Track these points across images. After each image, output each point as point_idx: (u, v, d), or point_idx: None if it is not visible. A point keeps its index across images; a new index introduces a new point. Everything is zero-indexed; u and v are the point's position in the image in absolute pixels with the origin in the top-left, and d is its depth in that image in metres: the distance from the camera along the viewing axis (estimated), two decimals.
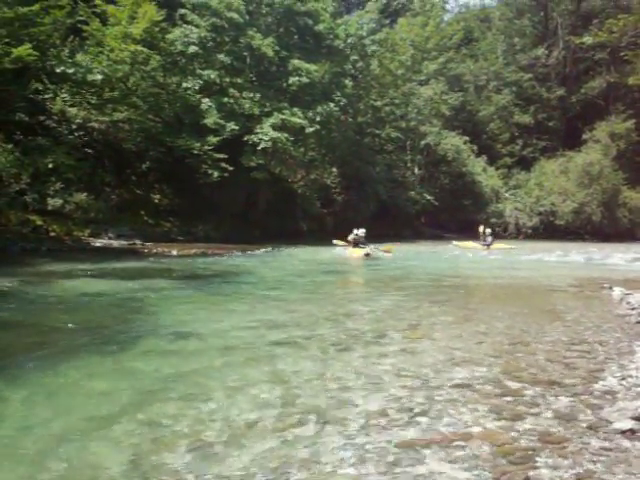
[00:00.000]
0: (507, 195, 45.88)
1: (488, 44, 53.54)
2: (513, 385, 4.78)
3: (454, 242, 27.42)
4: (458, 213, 42.60)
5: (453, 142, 43.36)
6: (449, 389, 4.67)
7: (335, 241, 22.48)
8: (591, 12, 48.15)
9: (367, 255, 19.51)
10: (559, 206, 41.95)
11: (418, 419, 4.01)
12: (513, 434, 3.73)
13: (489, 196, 44.84)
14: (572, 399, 4.44)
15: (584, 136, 42.63)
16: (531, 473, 3.19)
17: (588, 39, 41.33)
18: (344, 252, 21.04)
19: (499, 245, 27.02)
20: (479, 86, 51.34)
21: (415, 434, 3.75)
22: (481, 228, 27.06)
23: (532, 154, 47.94)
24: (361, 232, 20.88)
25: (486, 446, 3.54)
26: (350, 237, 20.99)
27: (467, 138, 44.98)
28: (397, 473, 3.21)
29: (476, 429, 3.82)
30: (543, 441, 3.62)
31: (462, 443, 3.59)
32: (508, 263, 19.08)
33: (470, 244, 26.53)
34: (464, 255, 22.40)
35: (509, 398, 4.45)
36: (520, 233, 43.53)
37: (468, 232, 40.54)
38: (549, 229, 42.06)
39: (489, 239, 26.41)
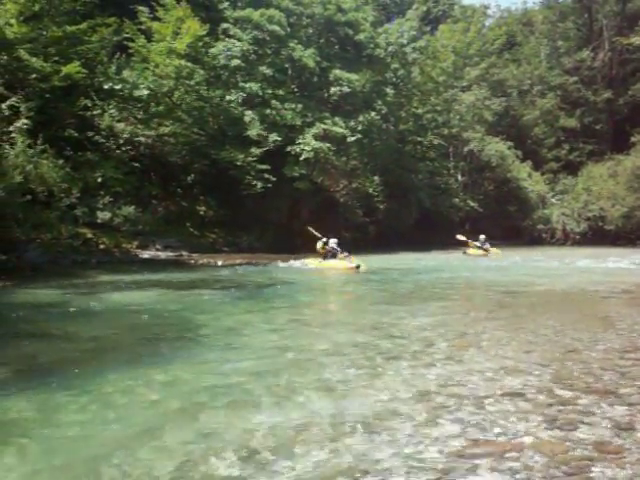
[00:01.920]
0: (554, 200, 44.97)
1: (531, 48, 52.71)
2: (565, 394, 4.67)
3: (465, 251, 26.86)
4: (503, 220, 41.96)
5: (497, 148, 42.80)
6: (499, 398, 4.59)
7: (305, 260, 18.62)
8: (637, 13, 46.87)
9: (358, 267, 16.20)
10: (608, 211, 40.83)
11: (468, 429, 3.95)
12: (567, 444, 3.64)
13: (535, 202, 44.07)
14: (628, 408, 4.30)
15: (633, 139, 41.39)
16: None
17: (635, 39, 40.34)
18: (306, 266, 17.93)
19: (494, 250, 26.86)
20: (523, 90, 50.58)
21: (465, 444, 3.69)
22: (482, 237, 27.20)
23: (579, 158, 46.89)
24: (333, 242, 17.81)
25: (539, 456, 3.47)
26: (319, 247, 17.77)
27: (511, 143, 44.34)
28: None
29: (528, 439, 3.74)
30: (599, 451, 3.52)
31: (514, 453, 3.52)
32: (554, 269, 18.68)
33: (479, 251, 26.38)
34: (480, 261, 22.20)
35: (562, 407, 4.34)
36: (568, 239, 42.58)
37: (515, 239, 40.02)
38: (598, 235, 40.94)
39: (487, 244, 26.46)
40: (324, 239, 17.75)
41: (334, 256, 17.26)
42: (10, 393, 4.79)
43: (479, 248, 26.38)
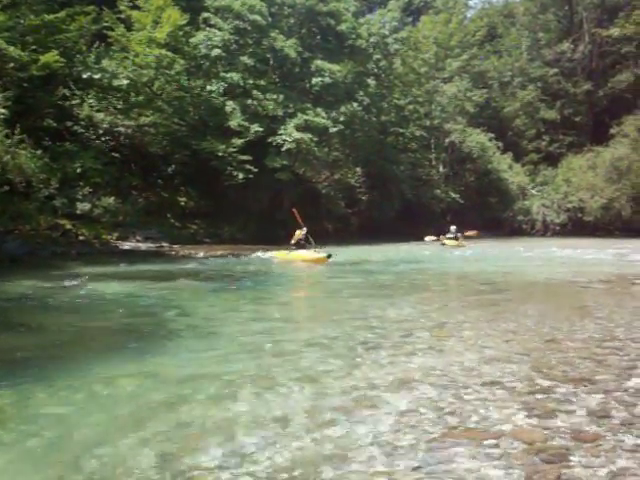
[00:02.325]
0: (534, 192, 45.37)
1: (512, 40, 52.96)
2: (544, 383, 4.72)
3: (443, 242, 26.68)
4: (484, 211, 42.26)
5: (478, 139, 43.03)
6: (479, 387, 4.63)
7: (273, 252, 18.07)
8: (617, 5, 47.30)
9: (329, 257, 15.74)
10: (587, 202, 41.30)
11: (448, 417, 3.98)
12: (545, 432, 3.68)
13: (515, 193, 44.44)
14: (604, 396, 4.36)
15: (612, 131, 41.84)
16: (564, 471, 3.14)
17: (615, 31, 40.69)
18: (275, 258, 17.30)
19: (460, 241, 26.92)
20: (504, 82, 50.87)
21: (445, 432, 3.72)
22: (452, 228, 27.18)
23: (559, 150, 47.31)
24: (302, 232, 17.25)
25: (518, 444, 3.51)
26: (297, 234, 17.28)
27: (492, 135, 44.62)
28: (428, 471, 3.19)
29: (507, 427, 3.78)
30: (576, 439, 3.56)
31: (493, 441, 3.56)
32: (535, 260, 18.86)
33: (454, 242, 26.41)
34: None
35: (540, 396, 4.39)
36: (548, 230, 43.02)
37: (495, 230, 40.31)
38: (577, 226, 41.44)
39: (458, 234, 26.70)
40: (304, 228, 17.27)
41: (303, 247, 16.73)
42: None
43: (452, 239, 26.40)
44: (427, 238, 28.94)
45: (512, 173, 45.00)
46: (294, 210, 18.36)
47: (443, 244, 26.32)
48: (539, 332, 6.77)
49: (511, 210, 43.72)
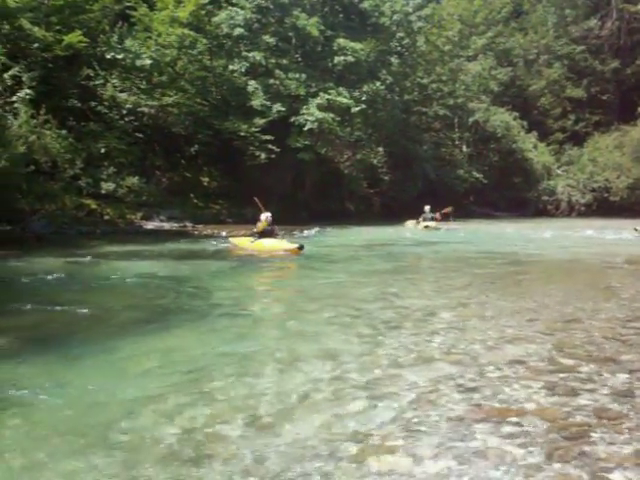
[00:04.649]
0: (559, 172, 44.78)
1: (538, 16, 51.90)
2: (567, 362, 4.70)
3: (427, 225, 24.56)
4: (508, 191, 41.79)
5: (502, 118, 42.45)
6: (501, 366, 4.62)
7: (232, 239, 15.38)
8: None
9: (300, 248, 12.81)
10: (613, 182, 40.70)
11: (469, 395, 3.99)
12: (567, 410, 3.68)
13: (540, 173, 43.86)
14: (628, 376, 4.34)
15: None
16: (586, 448, 3.14)
17: None
18: (235, 246, 14.64)
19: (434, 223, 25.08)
20: (529, 60, 49.96)
21: (466, 409, 3.73)
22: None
23: (585, 129, 46.56)
24: (268, 217, 14.08)
25: (539, 422, 3.50)
26: (258, 227, 14.04)
27: (517, 114, 43.99)
28: (448, 447, 3.20)
29: (529, 405, 3.78)
30: (599, 417, 3.56)
31: (515, 419, 3.56)
32: (557, 240, 18.66)
33: (431, 223, 24.67)
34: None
35: (563, 375, 4.38)
36: (573, 211, 42.53)
37: (519, 210, 39.89)
38: (603, 206, 40.85)
39: (432, 215, 25.05)
40: (267, 214, 14.13)
41: (269, 235, 13.82)
42: (17, 361, 4.85)
43: (428, 220, 24.66)
44: (409, 223, 26.02)
45: (537, 153, 44.39)
46: (255, 198, 15.71)
47: (426, 227, 24.22)
48: (562, 312, 6.72)
49: (535, 190, 43.22)
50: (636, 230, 21.44)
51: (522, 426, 3.46)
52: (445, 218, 25.89)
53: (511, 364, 4.66)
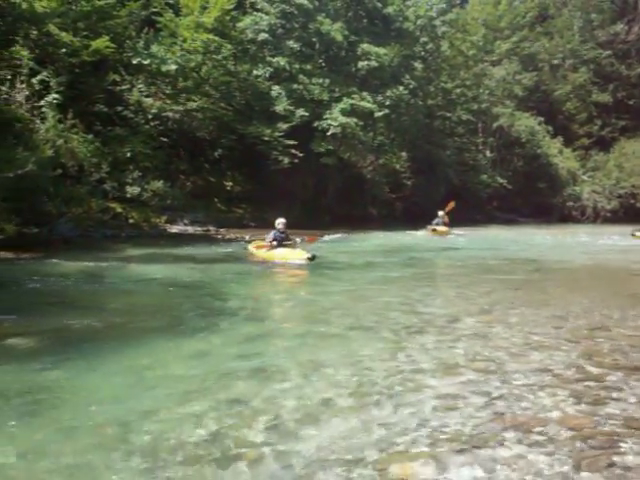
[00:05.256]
0: (584, 177, 44.22)
1: (564, 21, 51.35)
2: (594, 370, 4.64)
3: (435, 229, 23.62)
4: (532, 197, 41.33)
5: (527, 123, 42.06)
6: (526, 373, 4.58)
7: (250, 247, 14.29)
8: None
9: (311, 259, 12.03)
10: None
11: (494, 402, 3.95)
12: (595, 419, 3.63)
13: (565, 179, 43.35)
14: None
15: None
16: (615, 458, 3.09)
17: None
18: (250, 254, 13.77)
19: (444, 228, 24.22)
20: (554, 65, 49.46)
21: (491, 417, 3.70)
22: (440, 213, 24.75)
23: (611, 134, 45.95)
24: (281, 223, 13.23)
25: (566, 431, 3.46)
26: (268, 238, 13.11)
27: (542, 119, 43.54)
28: (474, 455, 3.18)
29: (555, 413, 3.74)
30: (627, 426, 3.50)
31: (541, 428, 3.52)
32: (583, 246, 18.44)
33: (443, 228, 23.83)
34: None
35: (590, 383, 4.32)
36: (598, 217, 41.95)
37: (544, 216, 39.46)
38: (629, 212, 40.22)
39: (442, 220, 24.19)
40: (281, 219, 13.38)
41: (283, 241, 13.09)
42: (44, 361, 4.92)
43: (437, 225, 23.81)
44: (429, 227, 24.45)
45: (562, 158, 43.90)
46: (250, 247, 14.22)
47: (434, 230, 23.28)
48: (588, 319, 6.64)
49: (560, 196, 42.73)
50: (633, 236, 21.30)
51: (548, 435, 3.42)
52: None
53: (536, 372, 4.61)
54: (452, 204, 26.24)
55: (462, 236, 22.99)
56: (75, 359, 5.02)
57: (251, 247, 14.14)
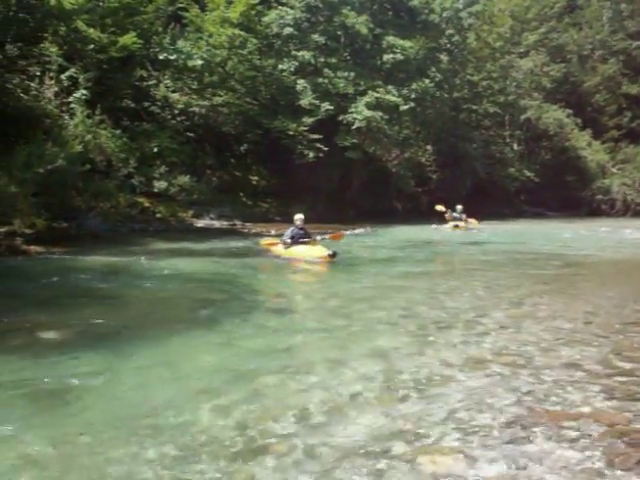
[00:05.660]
0: (614, 170, 43.41)
1: (593, 11, 50.31)
2: (625, 365, 4.56)
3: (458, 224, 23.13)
4: (561, 190, 40.69)
5: (555, 116, 41.38)
6: (556, 368, 4.52)
7: (264, 241, 14.16)
8: None
9: (332, 256, 11.58)
10: None
11: (524, 397, 3.92)
12: (627, 415, 3.57)
13: (594, 172, 42.59)
14: None
15: None
16: None
17: None
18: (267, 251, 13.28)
19: (472, 220, 24.07)
20: (583, 56, 48.55)
21: (521, 412, 3.66)
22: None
23: None
24: (299, 219, 12.84)
25: (598, 426, 3.41)
26: (287, 236, 12.63)
27: (570, 111, 42.78)
28: (503, 450, 3.15)
29: (586, 409, 3.69)
30: None
31: (571, 423, 3.48)
32: (608, 239, 18.15)
33: (461, 223, 23.35)
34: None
35: (622, 378, 4.25)
36: (628, 210, 41.15)
37: (573, 210, 38.92)
38: None
39: (464, 215, 23.75)
40: (300, 215, 13.03)
41: (302, 238, 12.63)
42: (73, 354, 4.99)
43: (456, 219, 23.47)
44: (438, 207, 24.81)
45: (591, 151, 43.13)
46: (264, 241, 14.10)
47: (456, 226, 22.86)
48: (619, 314, 6.54)
49: (589, 189, 42.02)
50: None
51: (579, 430, 3.37)
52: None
53: (566, 367, 4.56)
54: (441, 207, 25.23)
55: (482, 231, 22.60)
56: (104, 351, 5.09)
57: (263, 242, 13.88)
